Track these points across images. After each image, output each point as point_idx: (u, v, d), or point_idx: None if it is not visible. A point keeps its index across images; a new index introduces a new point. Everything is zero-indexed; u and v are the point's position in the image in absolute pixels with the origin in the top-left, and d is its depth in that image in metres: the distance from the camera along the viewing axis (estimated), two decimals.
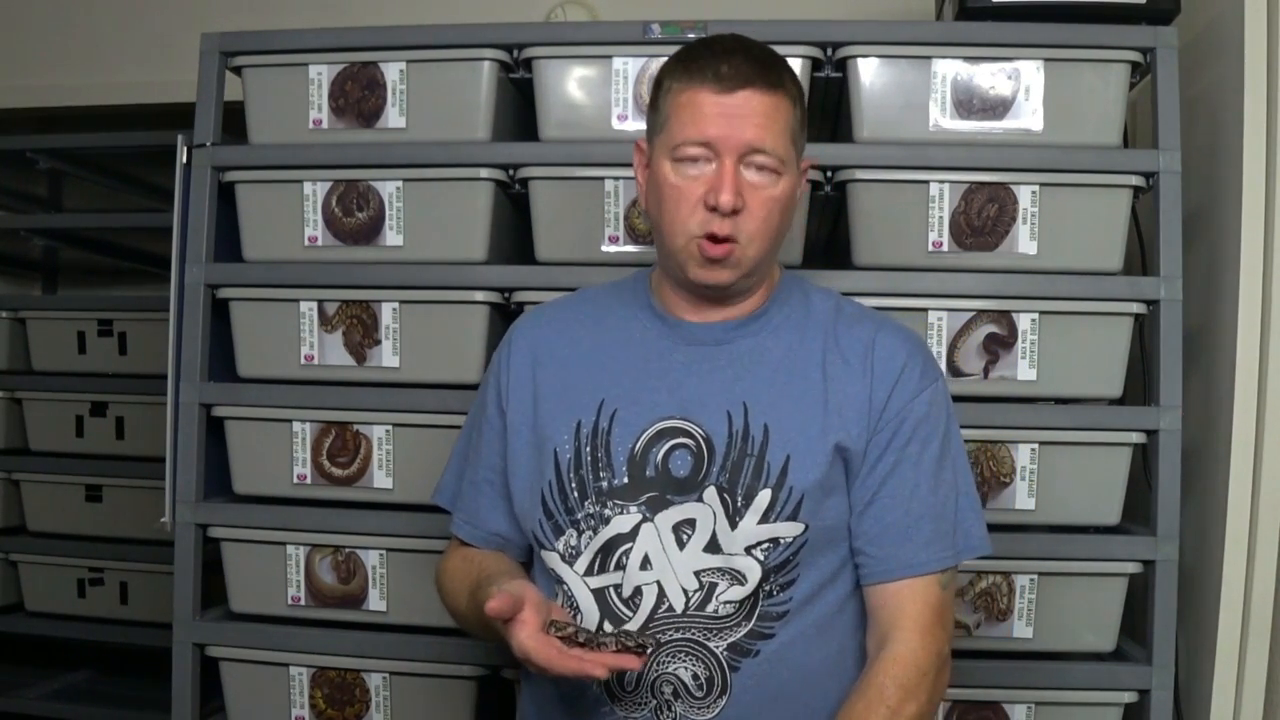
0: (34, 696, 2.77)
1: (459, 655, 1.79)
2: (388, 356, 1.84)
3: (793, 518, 1.23)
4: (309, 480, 1.85)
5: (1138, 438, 1.73)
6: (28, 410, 2.77)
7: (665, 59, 1.73)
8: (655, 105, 1.28)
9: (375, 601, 1.83)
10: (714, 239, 1.22)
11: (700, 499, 1.24)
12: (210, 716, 1.91)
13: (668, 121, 1.25)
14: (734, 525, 1.23)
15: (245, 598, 1.88)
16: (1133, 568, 1.73)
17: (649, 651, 1.17)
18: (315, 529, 1.84)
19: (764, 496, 1.23)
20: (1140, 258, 1.86)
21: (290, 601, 1.85)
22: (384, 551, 1.82)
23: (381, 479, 1.83)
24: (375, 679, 1.82)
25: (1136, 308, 1.74)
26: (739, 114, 1.21)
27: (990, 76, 1.76)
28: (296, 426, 1.85)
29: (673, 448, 1.26)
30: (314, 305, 1.85)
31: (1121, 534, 1.76)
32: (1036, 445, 1.74)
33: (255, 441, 1.87)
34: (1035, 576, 1.73)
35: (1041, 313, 1.74)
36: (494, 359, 1.41)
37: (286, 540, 1.85)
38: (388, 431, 1.83)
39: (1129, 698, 1.72)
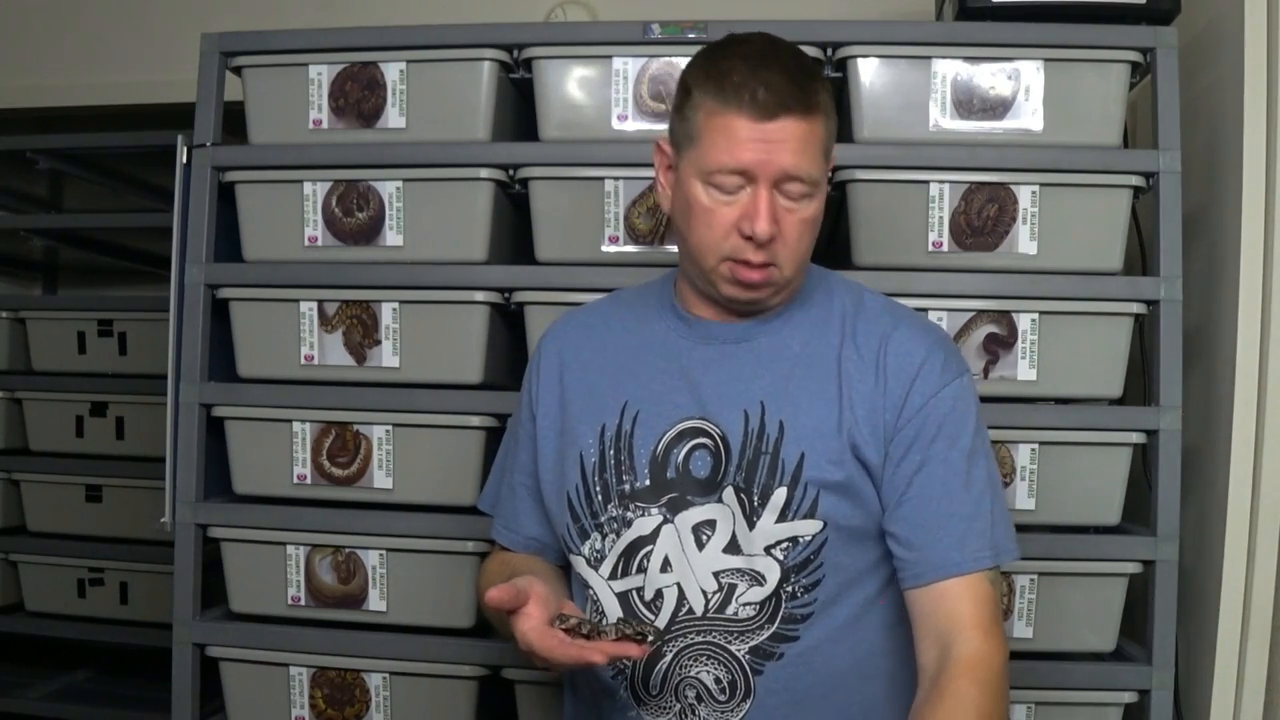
0: (34, 696, 2.77)
1: (459, 655, 1.79)
2: (388, 356, 1.84)
3: (810, 515, 1.21)
4: (309, 480, 1.85)
5: (1138, 438, 1.73)
6: (28, 410, 2.77)
7: (665, 59, 1.77)
8: (683, 114, 1.23)
9: (375, 601, 1.83)
10: (749, 264, 1.20)
11: (720, 499, 1.23)
12: (210, 716, 1.91)
13: (699, 140, 1.20)
14: (752, 525, 1.22)
15: (245, 598, 1.88)
16: (1133, 568, 1.73)
17: (650, 640, 1.15)
18: (315, 529, 1.84)
19: (780, 494, 1.21)
20: (1140, 258, 1.86)
21: (290, 601, 1.85)
22: (384, 551, 1.82)
23: (381, 479, 1.83)
24: (375, 679, 1.82)
25: (1136, 308, 1.74)
26: (775, 140, 1.17)
27: (990, 76, 1.76)
28: (296, 426, 1.85)
29: (693, 448, 1.25)
30: (314, 305, 1.85)
31: (1121, 534, 1.76)
32: (1036, 445, 1.73)
33: (255, 441, 1.87)
34: (1035, 576, 1.73)
35: (1041, 313, 1.74)
36: (528, 366, 1.41)
37: (286, 540, 1.85)
38: (388, 431, 1.83)
39: (1129, 698, 1.72)
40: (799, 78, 1.19)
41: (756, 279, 1.22)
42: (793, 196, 1.20)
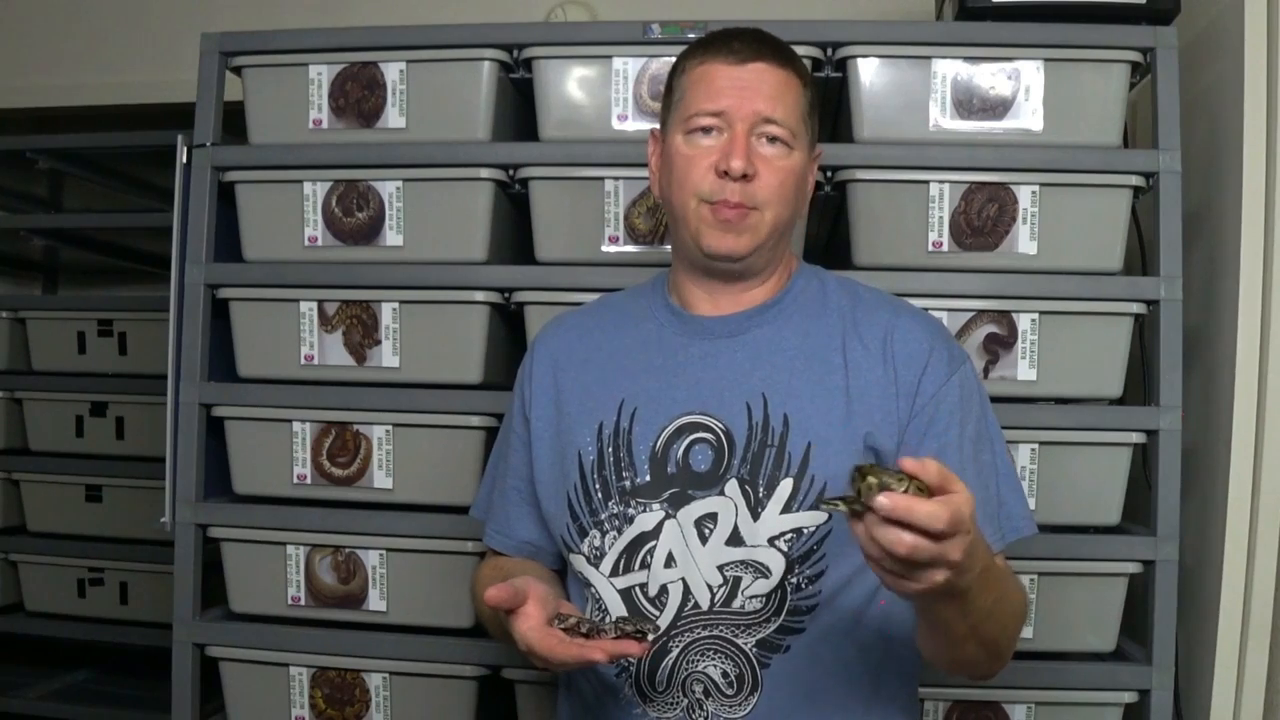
0: (34, 696, 2.77)
1: (459, 655, 1.79)
2: (388, 356, 1.84)
3: (815, 507, 1.22)
4: (309, 480, 1.85)
5: (1138, 438, 1.73)
6: (28, 410, 2.76)
7: (665, 59, 1.77)
8: (671, 90, 1.31)
9: (375, 601, 1.83)
10: (726, 204, 1.24)
11: (722, 492, 1.24)
12: (210, 716, 1.91)
13: (683, 97, 1.28)
14: (755, 516, 1.22)
15: (245, 598, 1.88)
16: (1133, 568, 1.73)
17: (650, 638, 1.16)
18: (315, 529, 1.84)
19: (785, 486, 1.22)
20: (1140, 258, 1.86)
21: (290, 601, 1.85)
22: (384, 551, 1.82)
23: (381, 479, 1.83)
24: (375, 679, 1.82)
25: (1136, 308, 1.74)
26: (750, 84, 1.24)
27: (990, 76, 1.76)
28: (296, 426, 1.85)
29: (693, 443, 1.26)
30: (314, 305, 1.85)
31: (1121, 534, 1.76)
32: (1036, 445, 1.74)
33: (255, 441, 1.87)
34: (1035, 576, 1.73)
35: (1041, 313, 1.74)
36: (519, 369, 1.42)
37: (286, 540, 1.85)
38: (388, 431, 1.83)
39: (1129, 698, 1.72)
40: (775, 40, 1.28)
41: (733, 216, 1.24)
42: (770, 143, 1.25)
